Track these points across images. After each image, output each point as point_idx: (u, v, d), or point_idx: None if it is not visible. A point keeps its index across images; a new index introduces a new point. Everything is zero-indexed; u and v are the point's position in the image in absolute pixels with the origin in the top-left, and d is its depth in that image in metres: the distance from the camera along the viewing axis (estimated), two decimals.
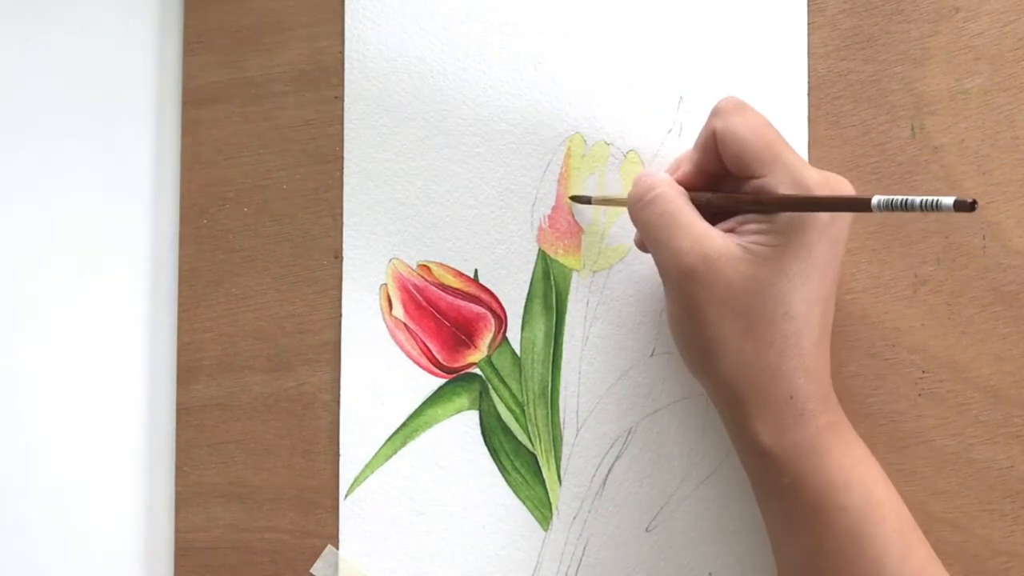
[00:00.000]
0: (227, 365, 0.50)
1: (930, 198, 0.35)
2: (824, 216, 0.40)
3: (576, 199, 0.48)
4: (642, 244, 0.46)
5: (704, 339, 0.41)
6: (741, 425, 0.41)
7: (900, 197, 0.36)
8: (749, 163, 0.41)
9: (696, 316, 0.41)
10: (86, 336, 0.52)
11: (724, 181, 0.43)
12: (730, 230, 0.41)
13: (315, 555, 0.49)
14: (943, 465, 0.46)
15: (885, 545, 0.40)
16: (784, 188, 0.40)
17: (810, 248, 0.40)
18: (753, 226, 0.41)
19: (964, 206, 0.35)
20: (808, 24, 0.47)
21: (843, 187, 0.41)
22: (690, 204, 0.42)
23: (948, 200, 0.35)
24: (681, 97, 0.48)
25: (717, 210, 0.42)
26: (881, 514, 0.40)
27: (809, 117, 0.47)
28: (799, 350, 0.40)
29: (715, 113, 0.42)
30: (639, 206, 0.42)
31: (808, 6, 0.47)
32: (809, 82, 0.47)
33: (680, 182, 0.43)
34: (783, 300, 0.40)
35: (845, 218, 0.41)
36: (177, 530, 0.50)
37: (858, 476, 0.40)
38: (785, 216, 0.40)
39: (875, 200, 0.37)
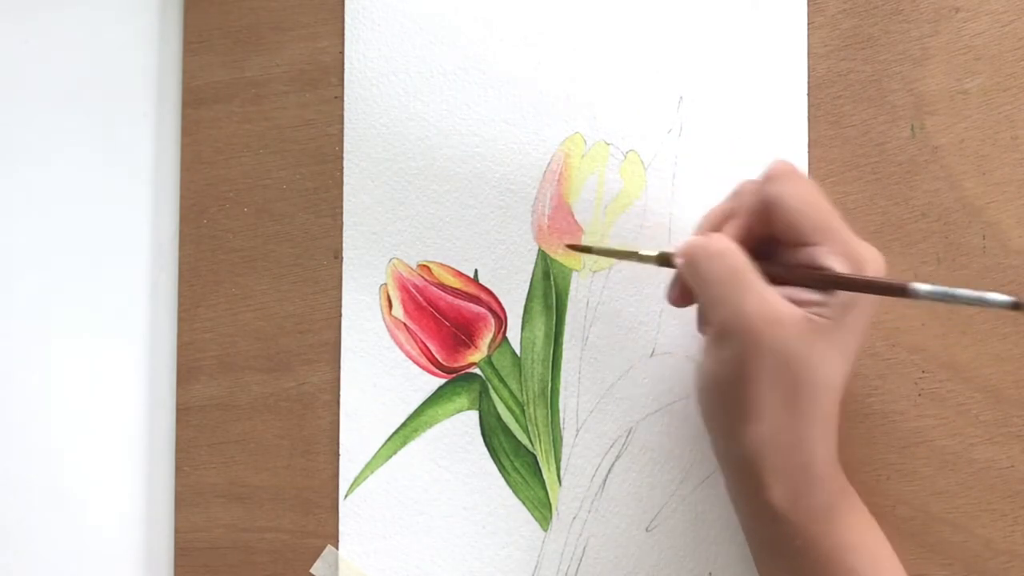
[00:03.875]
0: (227, 365, 0.50)
1: (977, 293, 0.37)
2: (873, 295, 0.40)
3: (573, 248, 0.48)
4: (677, 300, 0.44)
5: (744, 403, 0.40)
6: (754, 493, 0.40)
7: (945, 289, 0.37)
8: (803, 232, 0.40)
9: (745, 379, 0.39)
10: (86, 336, 0.52)
11: (767, 244, 0.42)
12: (788, 298, 0.40)
13: (315, 555, 0.49)
14: (943, 465, 0.46)
15: None
16: (837, 259, 0.40)
17: (855, 322, 0.40)
18: (812, 297, 0.40)
19: (1017, 306, 0.36)
20: (808, 24, 0.47)
21: (880, 260, 0.41)
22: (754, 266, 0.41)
23: (1000, 297, 0.36)
24: (681, 97, 0.48)
25: (769, 278, 0.41)
26: None
27: (809, 117, 0.47)
28: (825, 419, 0.40)
29: (768, 179, 0.41)
30: (704, 255, 0.40)
31: (808, 6, 0.47)
32: (809, 82, 0.47)
33: None
34: (831, 373, 0.40)
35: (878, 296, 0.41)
36: (177, 530, 0.50)
37: (868, 540, 0.41)
38: (843, 292, 0.40)
39: (921, 288, 0.38)
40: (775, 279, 0.40)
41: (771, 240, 0.41)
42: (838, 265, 0.39)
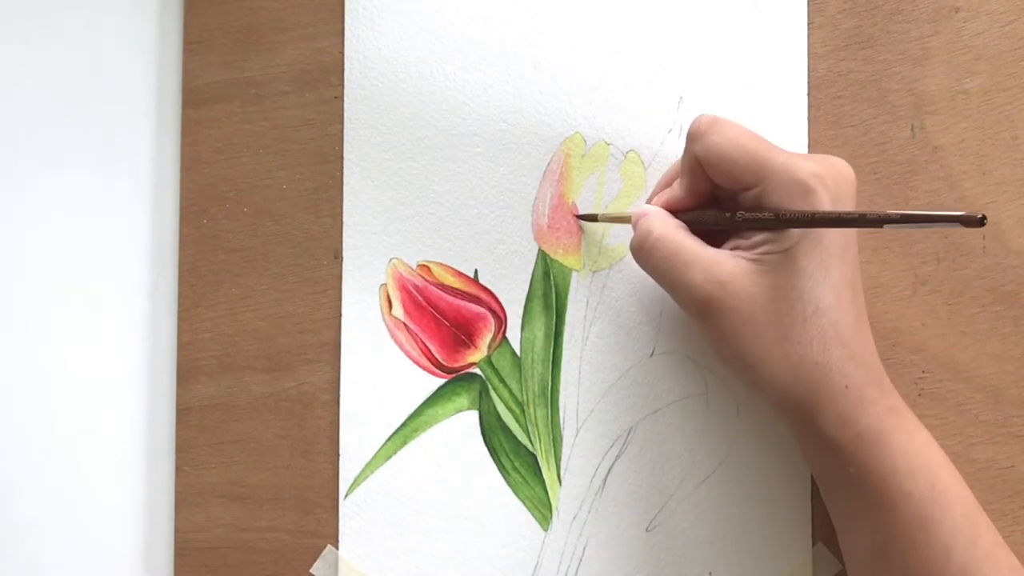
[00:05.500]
0: (227, 365, 0.50)
1: (938, 212, 0.36)
2: (829, 207, 0.40)
3: (582, 218, 0.48)
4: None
5: (746, 359, 0.41)
6: (805, 425, 0.41)
7: (911, 212, 0.37)
8: (739, 177, 0.41)
9: (730, 341, 0.41)
10: (86, 336, 0.52)
11: (720, 195, 0.43)
12: (736, 247, 0.42)
13: (315, 555, 0.49)
14: None
15: (953, 531, 0.40)
16: (780, 191, 0.40)
17: (821, 240, 0.40)
18: (759, 237, 0.41)
19: (972, 221, 0.35)
20: (808, 24, 0.47)
21: (841, 169, 0.41)
22: (690, 236, 0.42)
23: (955, 214, 0.35)
24: (681, 97, 0.48)
25: (724, 228, 0.43)
26: (947, 500, 0.40)
27: (809, 117, 0.47)
28: (840, 340, 0.40)
29: (691, 138, 0.42)
30: (642, 256, 0.43)
31: (808, 6, 0.47)
32: (809, 82, 0.47)
33: (674, 207, 0.44)
34: (809, 298, 0.40)
35: (850, 198, 0.41)
36: (177, 530, 0.50)
37: (923, 463, 0.40)
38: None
39: (887, 221, 0.37)
40: (729, 228, 0.42)
41: (720, 189, 0.43)
42: (781, 199, 0.40)
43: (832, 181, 0.40)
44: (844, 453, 0.40)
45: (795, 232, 0.40)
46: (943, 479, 0.40)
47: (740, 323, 0.40)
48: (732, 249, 0.42)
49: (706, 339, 0.43)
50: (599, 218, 0.48)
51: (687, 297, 0.42)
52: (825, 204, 0.40)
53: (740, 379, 0.43)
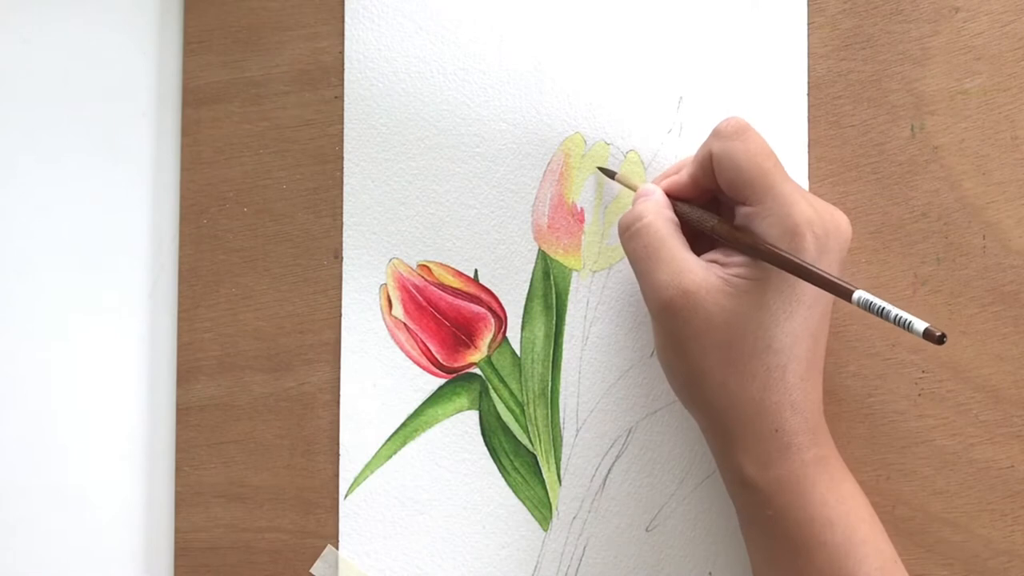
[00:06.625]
0: (227, 365, 0.50)
1: (904, 316, 0.36)
2: (811, 257, 0.39)
3: (603, 171, 0.48)
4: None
5: (688, 371, 0.41)
6: (727, 455, 0.41)
7: (879, 303, 0.36)
8: (741, 190, 0.41)
9: (678, 348, 0.41)
10: (86, 336, 0.52)
11: (722, 199, 0.43)
12: (715, 260, 0.41)
13: (315, 555, 0.49)
14: (943, 465, 0.46)
15: None
16: (770, 222, 0.40)
17: (794, 284, 0.40)
18: (738, 258, 0.41)
19: (933, 337, 0.35)
20: (808, 24, 0.47)
21: (839, 222, 0.41)
22: (676, 234, 0.42)
23: (920, 325, 0.35)
24: (681, 97, 0.48)
25: (702, 230, 0.43)
26: (864, 552, 0.40)
27: (809, 117, 0.47)
28: (784, 384, 0.40)
29: (715, 135, 0.42)
30: (625, 236, 0.43)
31: (808, 6, 0.47)
32: (809, 82, 0.47)
33: (674, 192, 0.44)
34: (764, 334, 0.40)
35: (837, 253, 0.41)
36: (177, 530, 0.50)
37: (843, 513, 0.40)
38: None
39: (856, 295, 0.37)
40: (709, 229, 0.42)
41: (721, 192, 0.42)
42: (769, 229, 0.40)
43: (823, 231, 0.40)
44: (761, 494, 0.40)
45: (771, 267, 0.40)
46: (861, 531, 0.40)
47: (691, 335, 0.40)
48: (710, 261, 0.42)
49: (656, 338, 0.43)
50: (616, 178, 0.47)
51: (651, 293, 0.41)
52: (807, 253, 0.39)
53: (676, 391, 0.43)
